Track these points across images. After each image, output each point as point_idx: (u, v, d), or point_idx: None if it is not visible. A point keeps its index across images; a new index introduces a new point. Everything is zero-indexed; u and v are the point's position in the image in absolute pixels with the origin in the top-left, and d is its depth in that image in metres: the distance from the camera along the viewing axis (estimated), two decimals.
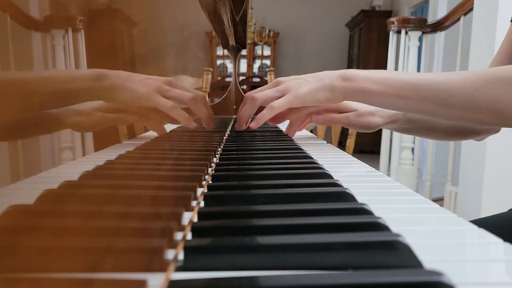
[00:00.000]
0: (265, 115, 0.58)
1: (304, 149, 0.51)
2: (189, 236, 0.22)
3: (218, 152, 0.50)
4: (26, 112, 0.47)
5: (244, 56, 5.57)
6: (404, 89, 0.51)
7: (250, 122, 0.64)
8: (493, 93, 0.46)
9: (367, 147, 4.24)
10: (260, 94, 0.59)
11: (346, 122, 0.68)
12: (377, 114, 0.68)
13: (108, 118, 0.63)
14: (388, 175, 1.86)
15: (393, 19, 1.80)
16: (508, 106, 0.46)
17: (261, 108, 0.60)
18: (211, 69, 1.75)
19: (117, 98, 0.52)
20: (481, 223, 0.44)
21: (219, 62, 5.50)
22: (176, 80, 0.61)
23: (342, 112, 0.69)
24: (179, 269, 0.19)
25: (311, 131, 0.94)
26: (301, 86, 0.56)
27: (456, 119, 0.52)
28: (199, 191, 0.31)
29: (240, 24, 0.94)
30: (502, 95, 0.46)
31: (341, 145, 1.43)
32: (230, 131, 0.76)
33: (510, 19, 0.74)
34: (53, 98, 0.49)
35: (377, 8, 4.90)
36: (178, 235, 0.22)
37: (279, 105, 0.56)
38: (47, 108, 0.52)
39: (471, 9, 1.60)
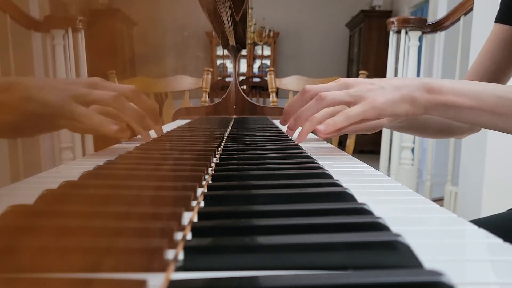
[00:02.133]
0: (339, 123, 0.49)
1: (304, 149, 0.51)
2: (189, 236, 0.22)
3: (218, 152, 0.50)
4: None
5: (244, 56, 5.57)
6: (500, 106, 0.46)
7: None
8: None
9: (367, 147, 4.24)
10: (329, 93, 0.50)
11: (353, 129, 0.62)
12: None
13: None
14: (388, 175, 1.86)
15: (393, 19, 1.80)
16: None
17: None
18: (211, 69, 1.75)
19: (28, 111, 0.45)
20: (481, 223, 0.44)
21: (219, 62, 5.51)
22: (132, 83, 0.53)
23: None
24: (179, 269, 0.19)
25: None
26: (378, 94, 0.48)
27: None
28: (199, 191, 0.31)
29: (240, 24, 0.94)
30: None
31: (341, 145, 1.43)
32: (230, 131, 0.76)
33: (494, 20, 0.74)
34: None
35: (377, 8, 4.91)
36: (178, 235, 0.22)
37: (355, 114, 0.48)
38: None
39: (471, 9, 1.60)
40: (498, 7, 0.73)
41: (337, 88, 0.51)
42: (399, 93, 0.48)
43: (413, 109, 0.48)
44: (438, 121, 0.70)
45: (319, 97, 0.50)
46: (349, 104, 0.50)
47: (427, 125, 0.71)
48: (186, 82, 1.78)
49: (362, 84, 0.50)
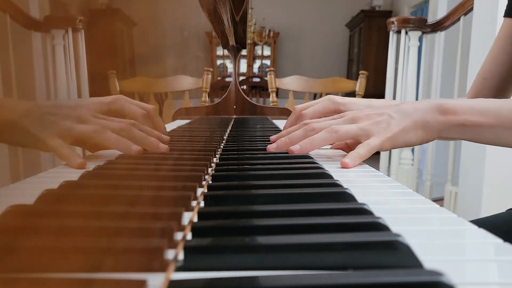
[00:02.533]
0: (363, 155, 0.46)
1: None
2: (189, 236, 0.22)
3: (218, 152, 0.50)
4: None
5: (244, 56, 5.57)
6: None
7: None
8: None
9: None
10: (342, 127, 0.47)
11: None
12: None
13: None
14: (388, 175, 1.86)
15: (393, 19, 1.80)
16: None
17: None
18: (211, 69, 1.75)
19: (6, 134, 0.44)
20: (481, 223, 0.44)
21: (219, 62, 5.51)
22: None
23: None
24: (179, 269, 0.19)
25: None
26: (390, 124, 0.46)
27: None
28: (199, 191, 0.31)
29: (240, 24, 0.94)
30: None
31: None
32: (230, 131, 0.76)
33: (503, 14, 0.73)
34: None
35: (377, 8, 4.91)
36: (178, 235, 0.22)
37: (375, 145, 0.46)
38: None
39: (471, 9, 1.60)
40: (507, 2, 0.72)
41: (345, 122, 0.49)
42: (410, 120, 0.46)
43: (426, 134, 0.46)
44: None
45: (332, 130, 0.47)
46: (360, 137, 0.47)
47: None
48: (186, 82, 1.78)
49: (372, 116, 0.48)
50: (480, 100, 0.47)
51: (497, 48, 0.73)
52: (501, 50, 0.72)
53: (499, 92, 0.74)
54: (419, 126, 0.46)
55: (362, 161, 0.47)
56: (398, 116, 0.46)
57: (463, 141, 1.65)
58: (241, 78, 5.33)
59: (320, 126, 0.49)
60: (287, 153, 0.48)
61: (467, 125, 0.45)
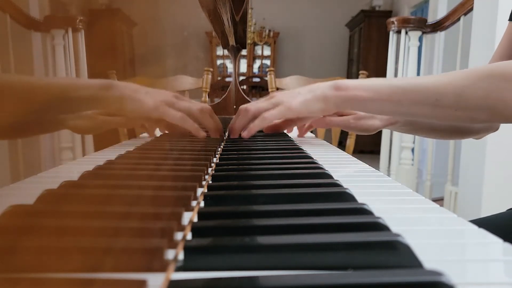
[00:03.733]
0: (256, 125, 0.60)
1: (304, 149, 0.51)
2: (189, 236, 0.22)
3: (218, 152, 0.50)
4: (34, 115, 0.49)
5: (244, 56, 5.57)
6: (395, 94, 0.51)
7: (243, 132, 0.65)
8: (482, 89, 0.47)
9: (367, 147, 4.24)
10: (252, 105, 0.60)
11: (345, 125, 0.70)
12: (376, 117, 0.69)
13: (107, 121, 0.63)
14: (388, 175, 1.86)
15: (393, 19, 1.79)
16: (498, 101, 0.46)
17: None
18: (211, 69, 1.75)
19: (125, 108, 0.53)
20: (481, 223, 0.44)
21: (219, 62, 5.50)
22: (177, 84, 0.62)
23: (341, 115, 0.70)
24: (179, 269, 0.19)
25: (311, 131, 0.94)
26: (294, 98, 0.57)
27: (448, 119, 0.52)
28: (199, 191, 0.31)
29: (240, 24, 0.94)
30: (491, 91, 0.46)
31: (341, 145, 1.43)
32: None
33: (508, 18, 0.73)
34: (61, 104, 0.50)
35: (377, 8, 4.90)
36: (178, 235, 0.22)
37: (270, 115, 0.58)
38: (55, 113, 0.54)
39: (471, 9, 1.60)
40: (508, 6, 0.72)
41: (264, 100, 0.62)
42: (312, 94, 0.56)
43: (326, 105, 0.55)
44: (447, 123, 0.69)
45: (245, 110, 0.61)
46: (269, 109, 0.59)
47: (434, 126, 0.71)
48: (186, 82, 1.78)
49: (284, 94, 0.60)
50: (373, 79, 0.55)
51: (502, 49, 0.74)
52: (506, 51, 0.73)
53: None
54: (320, 99, 0.55)
55: (363, 162, 0.47)
56: (304, 92, 0.58)
57: (463, 141, 1.65)
58: (241, 78, 5.33)
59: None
60: (287, 153, 0.48)
61: (354, 99, 0.53)
